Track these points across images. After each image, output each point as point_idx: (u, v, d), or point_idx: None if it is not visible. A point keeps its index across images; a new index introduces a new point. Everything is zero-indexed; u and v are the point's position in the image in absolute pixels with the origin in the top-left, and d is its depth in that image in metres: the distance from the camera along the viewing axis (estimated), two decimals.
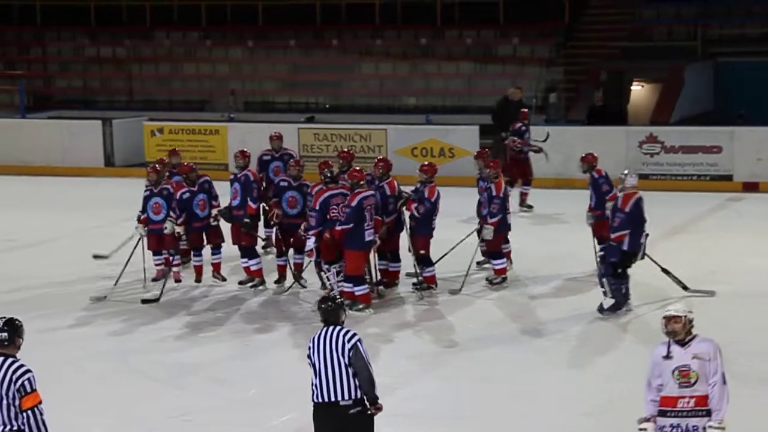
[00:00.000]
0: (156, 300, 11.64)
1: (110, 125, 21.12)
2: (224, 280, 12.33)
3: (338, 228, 10.98)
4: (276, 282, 12.14)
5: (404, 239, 11.91)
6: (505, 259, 12.08)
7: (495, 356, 9.91)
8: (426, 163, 12.23)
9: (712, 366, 6.41)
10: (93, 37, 26.36)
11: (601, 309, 10.89)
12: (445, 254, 12.20)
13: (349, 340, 6.67)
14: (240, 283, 12.22)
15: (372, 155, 19.25)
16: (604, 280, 10.85)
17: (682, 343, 6.46)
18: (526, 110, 16.85)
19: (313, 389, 6.72)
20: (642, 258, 11.10)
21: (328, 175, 11.46)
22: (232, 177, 12.38)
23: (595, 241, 12.06)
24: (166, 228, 12.01)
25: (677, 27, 23.18)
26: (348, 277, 11.09)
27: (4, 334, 6.29)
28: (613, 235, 10.83)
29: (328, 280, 11.38)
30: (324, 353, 6.66)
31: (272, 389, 9.10)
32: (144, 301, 11.67)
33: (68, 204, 17.24)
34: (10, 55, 26.78)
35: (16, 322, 6.38)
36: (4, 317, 6.38)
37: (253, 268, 12.12)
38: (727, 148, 17.75)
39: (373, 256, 11.66)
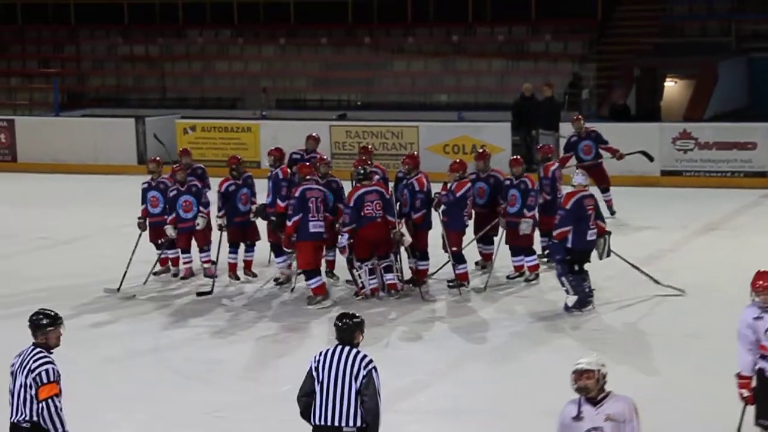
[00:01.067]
0: (209, 293, 11.73)
1: (143, 123, 21.23)
2: (255, 276, 12.38)
3: (289, 223, 11.23)
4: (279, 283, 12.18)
5: (433, 237, 11.90)
6: (536, 256, 12.05)
7: (525, 354, 9.88)
8: (455, 161, 12.20)
9: (627, 428, 5.69)
10: (126, 35, 26.52)
11: (566, 307, 10.88)
12: (465, 246, 12.07)
13: (365, 366, 6.29)
14: (275, 280, 12.27)
15: (404, 152, 19.27)
16: (563, 278, 10.82)
17: (595, 402, 5.76)
18: (579, 118, 15.52)
19: (312, 410, 6.35)
20: (607, 256, 11.11)
21: (362, 172, 11.49)
22: (269, 174, 12.48)
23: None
24: (198, 224, 12.10)
25: (710, 23, 23.02)
26: (301, 270, 11.35)
27: (29, 323, 6.40)
28: (554, 232, 10.87)
29: (360, 277, 11.43)
30: (335, 374, 6.28)
31: None
32: (199, 294, 11.75)
33: (101, 201, 17.35)
34: (44, 53, 26.98)
35: (39, 319, 6.42)
36: (43, 309, 6.45)
37: (279, 266, 12.18)
38: (762, 145, 17.59)
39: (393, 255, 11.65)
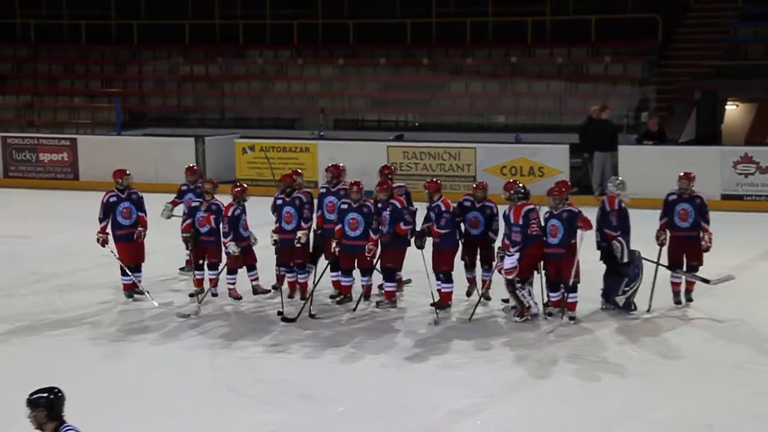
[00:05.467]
0: (294, 320, 11.62)
1: (203, 143, 21.46)
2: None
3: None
4: (339, 301, 12.24)
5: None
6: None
7: (587, 378, 9.78)
8: (511, 180, 12.17)
9: None
10: (187, 56, 26.85)
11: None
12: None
13: None
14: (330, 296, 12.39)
15: (461, 174, 19.33)
16: None
17: None
18: (690, 175, 12.10)
19: None
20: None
21: (522, 191, 11.42)
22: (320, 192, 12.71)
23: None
24: (253, 243, 12.29)
25: None
26: None
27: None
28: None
29: (524, 297, 11.33)
30: None
31: (360, 406, 9.11)
32: (283, 319, 11.63)
33: (161, 219, 17.48)
34: (107, 73, 27.39)
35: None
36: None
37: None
38: None
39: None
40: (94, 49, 27.81)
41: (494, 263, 11.65)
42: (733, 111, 22.38)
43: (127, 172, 12.74)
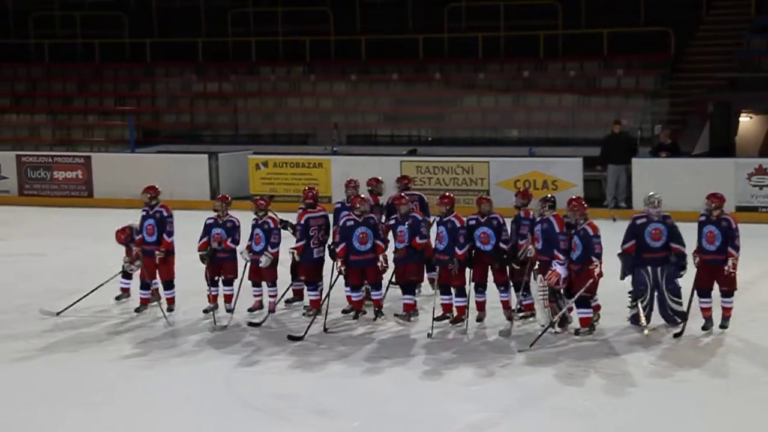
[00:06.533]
0: (300, 338, 11.55)
1: (216, 159, 21.54)
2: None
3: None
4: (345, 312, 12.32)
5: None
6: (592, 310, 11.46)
7: (603, 392, 9.73)
8: (523, 190, 12.17)
9: None
10: (200, 73, 26.96)
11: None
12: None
13: None
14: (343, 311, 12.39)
15: (474, 188, 19.34)
16: None
17: None
18: (719, 196, 11.73)
19: None
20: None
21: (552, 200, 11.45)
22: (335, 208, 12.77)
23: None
24: (261, 262, 12.22)
25: None
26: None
27: None
28: None
29: (557, 309, 11.23)
30: None
31: (375, 421, 9.08)
32: (290, 338, 11.55)
33: (175, 236, 17.52)
34: (121, 91, 27.50)
35: None
36: None
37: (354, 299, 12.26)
38: None
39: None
40: (107, 67, 27.96)
41: (539, 281, 11.27)
42: (747, 123, 22.34)
43: (151, 189, 12.72)
